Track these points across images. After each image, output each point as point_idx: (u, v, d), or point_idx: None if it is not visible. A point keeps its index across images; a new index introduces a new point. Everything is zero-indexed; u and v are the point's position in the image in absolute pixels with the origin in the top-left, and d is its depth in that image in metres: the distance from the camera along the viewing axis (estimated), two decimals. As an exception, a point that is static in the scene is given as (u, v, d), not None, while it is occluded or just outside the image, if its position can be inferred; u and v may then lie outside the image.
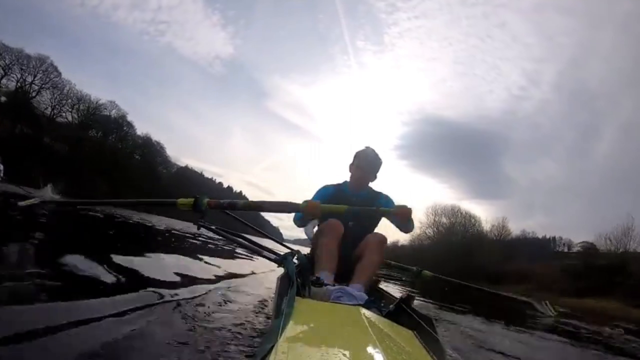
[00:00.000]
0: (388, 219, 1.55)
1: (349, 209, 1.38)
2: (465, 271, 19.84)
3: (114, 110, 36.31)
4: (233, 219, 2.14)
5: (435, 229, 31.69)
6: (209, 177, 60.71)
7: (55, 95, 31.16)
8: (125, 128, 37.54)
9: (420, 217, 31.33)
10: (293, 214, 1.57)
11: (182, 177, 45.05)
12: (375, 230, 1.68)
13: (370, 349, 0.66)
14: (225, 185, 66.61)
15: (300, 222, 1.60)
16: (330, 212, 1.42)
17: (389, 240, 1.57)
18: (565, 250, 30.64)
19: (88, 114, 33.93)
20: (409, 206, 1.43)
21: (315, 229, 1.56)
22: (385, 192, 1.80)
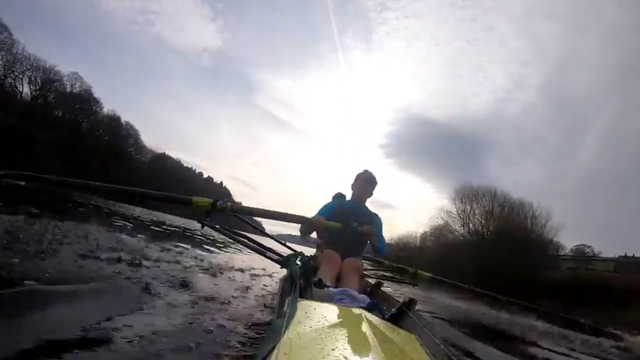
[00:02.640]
0: (369, 240, 2.10)
1: (344, 226, 1.89)
2: (522, 285, 14.95)
3: (77, 84, 33.82)
4: (234, 217, 2.20)
5: (466, 224, 23.75)
6: (189, 167, 59.90)
7: (5, 60, 28.60)
8: (94, 107, 35.06)
9: (444, 204, 26.75)
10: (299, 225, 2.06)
11: (159, 165, 43.68)
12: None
13: (370, 352, 0.71)
14: (205, 176, 65.99)
15: (304, 231, 2.16)
16: (329, 226, 1.88)
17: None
18: (554, 253, 31.19)
19: (45, 85, 31.24)
20: (373, 229, 2.03)
21: (314, 235, 2.25)
22: (378, 214, 2.36)
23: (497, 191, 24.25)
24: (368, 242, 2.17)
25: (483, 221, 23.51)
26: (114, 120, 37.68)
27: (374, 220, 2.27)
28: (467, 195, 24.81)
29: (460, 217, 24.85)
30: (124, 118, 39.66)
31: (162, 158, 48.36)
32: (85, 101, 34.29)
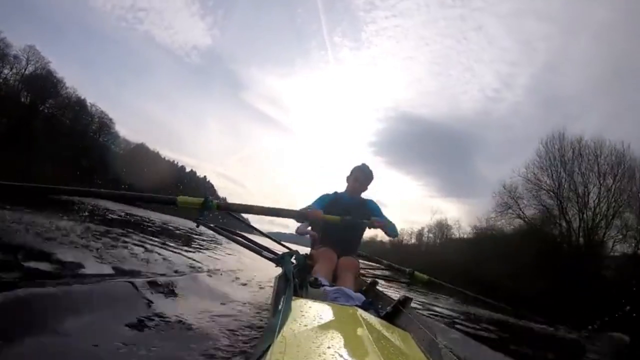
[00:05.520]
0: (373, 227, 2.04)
1: (343, 219, 1.82)
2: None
3: (33, 61, 28.63)
4: (228, 215, 2.24)
5: (559, 197, 14.91)
6: (170, 159, 59.15)
7: None
8: (59, 89, 30.85)
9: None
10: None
11: (136, 156, 42.46)
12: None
13: (366, 349, 0.75)
14: (188, 170, 65.48)
15: (300, 225, 2.28)
16: (330, 220, 1.83)
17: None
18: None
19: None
20: (381, 220, 2.00)
21: (309, 228, 2.36)
22: (371, 197, 2.41)
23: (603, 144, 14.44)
24: (374, 232, 2.18)
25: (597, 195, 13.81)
26: (78, 103, 33.50)
27: (370, 206, 2.32)
28: (563, 153, 14.79)
29: (552, 191, 14.91)
30: (112, 116, 37.73)
31: (139, 149, 46.79)
32: (41, 79, 29.34)
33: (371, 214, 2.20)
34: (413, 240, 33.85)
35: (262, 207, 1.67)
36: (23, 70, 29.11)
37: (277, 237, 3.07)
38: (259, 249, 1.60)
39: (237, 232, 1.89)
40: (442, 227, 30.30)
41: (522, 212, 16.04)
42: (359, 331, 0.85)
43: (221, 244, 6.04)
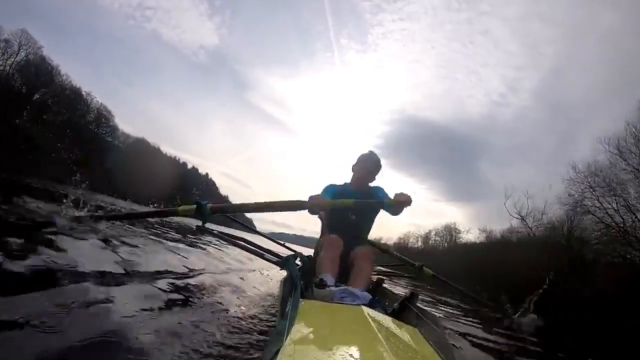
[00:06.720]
0: (387, 209, 1.94)
1: (356, 202, 1.72)
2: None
3: (25, 47, 26.73)
4: (231, 220, 2.23)
5: None
6: (172, 156, 58.31)
7: None
8: (55, 78, 29.05)
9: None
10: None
11: (136, 152, 41.53)
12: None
13: (376, 348, 0.76)
14: (189, 167, 64.93)
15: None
16: (341, 205, 1.77)
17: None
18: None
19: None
20: (404, 195, 1.79)
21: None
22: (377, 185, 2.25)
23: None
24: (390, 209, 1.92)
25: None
26: (73, 92, 31.95)
27: (377, 194, 2.14)
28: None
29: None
30: (117, 113, 36.62)
31: (139, 143, 44.77)
32: (34, 65, 27.66)
33: (376, 198, 2.07)
34: (419, 244, 33.77)
35: (257, 204, 1.63)
36: (15, 55, 27.31)
37: (280, 239, 3.08)
38: (262, 252, 1.61)
39: (239, 235, 1.89)
40: (450, 231, 30.14)
41: (605, 209, 11.11)
42: (368, 330, 0.86)
43: (227, 246, 6.02)
